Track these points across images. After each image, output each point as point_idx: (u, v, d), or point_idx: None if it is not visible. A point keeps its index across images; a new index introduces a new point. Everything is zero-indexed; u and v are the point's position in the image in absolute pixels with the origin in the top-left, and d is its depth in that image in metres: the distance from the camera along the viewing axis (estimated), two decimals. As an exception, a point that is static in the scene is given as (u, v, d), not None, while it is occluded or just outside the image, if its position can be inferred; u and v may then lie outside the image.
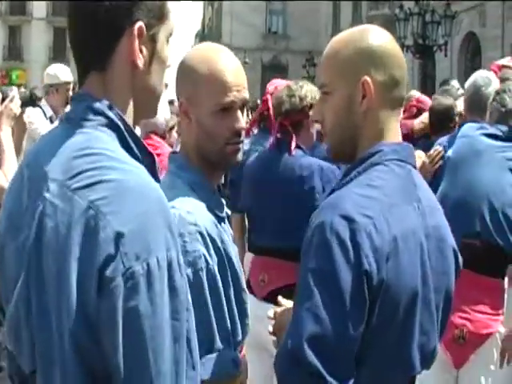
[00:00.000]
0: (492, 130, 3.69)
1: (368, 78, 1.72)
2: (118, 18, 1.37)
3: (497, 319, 3.46)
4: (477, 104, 3.94)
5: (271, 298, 3.21)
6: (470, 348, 3.42)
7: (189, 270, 1.80)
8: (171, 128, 6.19)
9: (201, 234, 1.87)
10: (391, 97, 1.77)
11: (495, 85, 4.07)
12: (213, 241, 1.90)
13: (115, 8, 1.36)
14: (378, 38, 1.79)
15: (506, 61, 6.57)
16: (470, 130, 3.78)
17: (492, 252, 3.48)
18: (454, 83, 6.93)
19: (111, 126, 1.37)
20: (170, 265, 1.27)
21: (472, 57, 29.00)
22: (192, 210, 1.89)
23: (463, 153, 3.71)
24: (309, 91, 3.55)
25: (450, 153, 3.82)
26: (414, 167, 1.80)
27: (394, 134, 1.79)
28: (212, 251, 1.89)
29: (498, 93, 3.80)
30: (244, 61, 44.48)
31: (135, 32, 1.37)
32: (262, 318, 3.45)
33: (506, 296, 3.59)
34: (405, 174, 1.75)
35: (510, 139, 3.64)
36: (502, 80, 5.60)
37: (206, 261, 1.87)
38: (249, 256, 3.91)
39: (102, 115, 1.36)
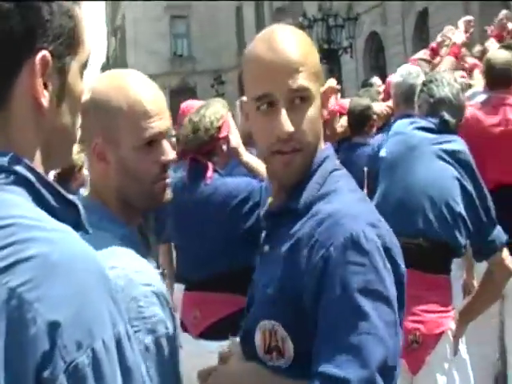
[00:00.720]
0: (424, 123, 3.57)
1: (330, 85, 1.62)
2: (14, 47, 1.08)
3: (448, 316, 3.30)
4: (410, 96, 3.93)
5: (208, 335, 3.10)
6: (424, 351, 3.26)
7: (149, 338, 1.54)
8: (80, 168, 5.90)
9: (156, 294, 1.59)
10: None
11: (422, 77, 4.06)
12: (165, 300, 1.63)
13: (10, 35, 1.07)
14: None
15: (421, 54, 6.58)
16: (402, 126, 3.68)
17: (437, 249, 3.32)
18: (376, 80, 6.93)
19: (20, 181, 1.08)
20: (118, 342, 1.02)
21: (376, 55, 29.51)
22: (140, 269, 1.60)
23: (398, 150, 3.58)
24: (213, 114, 3.32)
25: (383, 152, 3.69)
26: None
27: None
28: (167, 312, 1.62)
29: (424, 84, 3.70)
30: (153, 87, 44.28)
31: (37, 63, 1.08)
32: (200, 355, 3.27)
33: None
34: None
35: (443, 130, 3.53)
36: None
37: (166, 325, 1.60)
38: (179, 287, 3.70)
39: (7, 171, 1.07)
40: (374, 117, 5.20)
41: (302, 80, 1.55)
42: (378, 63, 28.98)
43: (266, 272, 1.59)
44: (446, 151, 3.43)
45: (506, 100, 4.41)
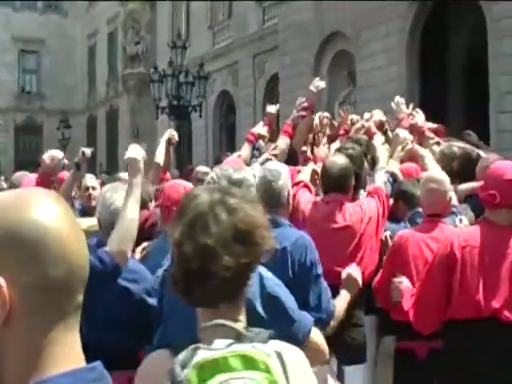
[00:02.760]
0: None
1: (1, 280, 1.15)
2: None
3: None
4: (271, 199, 3.67)
5: None
6: None
7: None
8: None
9: None
10: (55, 305, 1.18)
11: (285, 175, 3.87)
12: None
13: None
14: (32, 216, 1.18)
15: (260, 127, 6.40)
16: None
17: None
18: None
19: None
20: None
21: (226, 114, 29.77)
22: None
23: None
24: None
25: None
26: None
27: (66, 357, 1.20)
28: None
29: None
30: (-5, 123, 42.73)
31: None
32: None
33: None
34: None
35: None
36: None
37: None
38: None
39: None
40: None
41: None
42: (228, 122, 29.31)
43: None
44: None
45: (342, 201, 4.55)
